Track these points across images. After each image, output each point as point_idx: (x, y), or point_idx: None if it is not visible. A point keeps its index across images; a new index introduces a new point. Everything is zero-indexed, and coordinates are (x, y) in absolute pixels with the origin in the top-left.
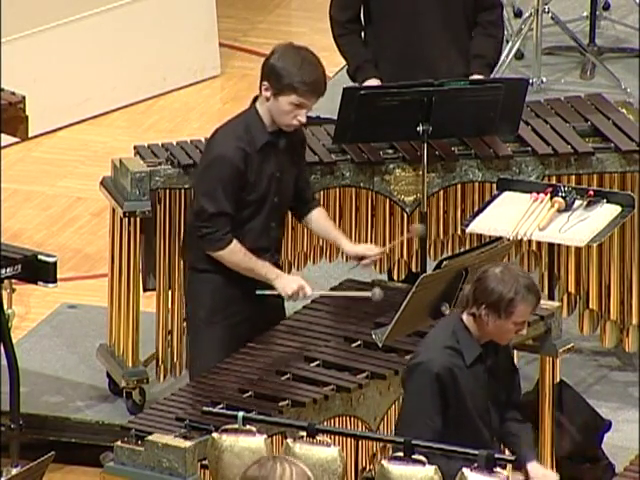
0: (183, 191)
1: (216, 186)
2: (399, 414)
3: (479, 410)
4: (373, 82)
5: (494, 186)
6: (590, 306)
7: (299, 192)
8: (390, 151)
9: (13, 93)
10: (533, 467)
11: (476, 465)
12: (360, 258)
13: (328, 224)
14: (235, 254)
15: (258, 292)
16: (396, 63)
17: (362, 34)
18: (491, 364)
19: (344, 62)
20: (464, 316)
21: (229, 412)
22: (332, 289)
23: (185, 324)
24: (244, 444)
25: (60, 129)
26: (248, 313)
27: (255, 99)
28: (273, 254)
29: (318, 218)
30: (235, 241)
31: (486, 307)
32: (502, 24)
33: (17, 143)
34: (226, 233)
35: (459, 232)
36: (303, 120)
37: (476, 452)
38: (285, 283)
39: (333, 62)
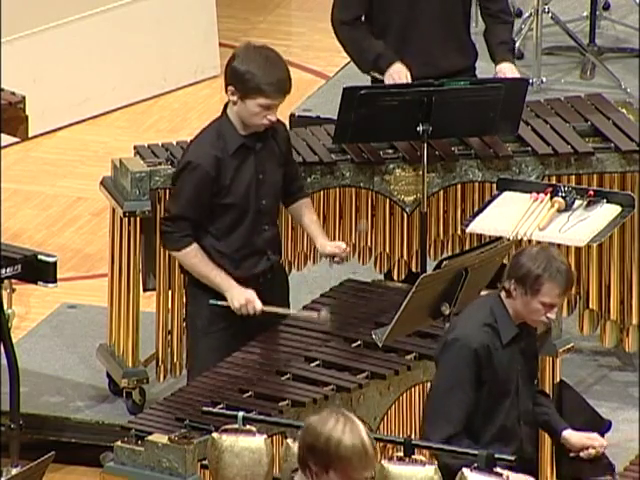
0: None
1: (183, 190)
2: (431, 388)
3: (510, 392)
4: (399, 67)
5: (494, 186)
6: (590, 306)
7: (287, 183)
8: (390, 151)
9: (13, 93)
10: (570, 434)
11: (476, 465)
12: (332, 257)
13: (308, 217)
14: (190, 258)
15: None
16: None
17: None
18: (524, 346)
19: (344, 62)
20: (502, 295)
21: (229, 412)
22: (332, 289)
23: (185, 324)
24: (244, 444)
25: (60, 129)
26: (246, 323)
27: (226, 106)
28: (270, 256)
29: (300, 209)
30: (194, 246)
31: (515, 282)
32: (510, 9)
33: (17, 143)
34: (185, 236)
35: (459, 232)
36: (274, 119)
37: (476, 452)
38: (234, 295)
39: (333, 62)
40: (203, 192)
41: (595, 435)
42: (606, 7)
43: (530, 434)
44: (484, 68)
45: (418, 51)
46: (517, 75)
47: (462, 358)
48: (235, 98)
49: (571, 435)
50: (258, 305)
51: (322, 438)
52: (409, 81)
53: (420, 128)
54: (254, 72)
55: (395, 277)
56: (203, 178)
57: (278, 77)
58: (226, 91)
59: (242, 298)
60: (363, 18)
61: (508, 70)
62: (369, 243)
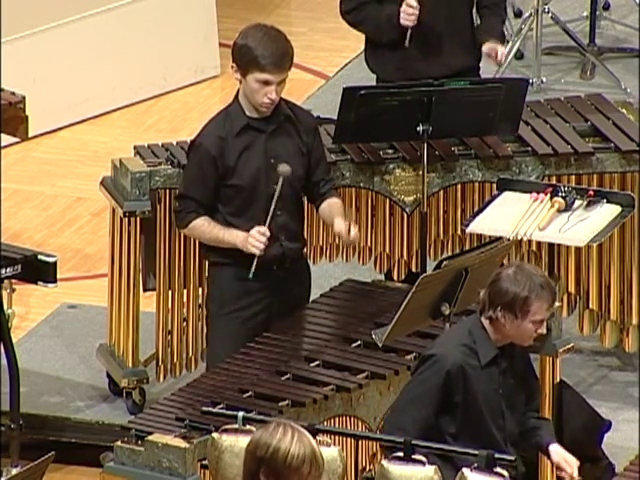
0: None
1: (188, 170)
2: (396, 398)
3: (493, 413)
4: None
5: (494, 186)
6: (590, 306)
7: (314, 185)
8: (390, 151)
9: (13, 93)
10: (555, 449)
11: (476, 465)
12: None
13: (333, 210)
14: (196, 229)
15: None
16: (398, 57)
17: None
18: (506, 367)
19: (344, 62)
20: (483, 319)
21: (229, 412)
22: (332, 289)
23: (184, 324)
24: (244, 444)
25: (60, 129)
26: (262, 306)
27: (239, 90)
28: (282, 242)
29: (325, 207)
30: (201, 219)
31: (502, 308)
32: (503, 4)
33: (17, 143)
34: (189, 212)
35: (459, 232)
36: (273, 97)
37: (476, 452)
38: (241, 242)
39: (333, 62)
40: (206, 171)
41: (573, 462)
42: (606, 7)
43: (520, 454)
44: (484, 69)
45: (426, 50)
46: (504, 52)
47: (433, 374)
48: (238, 76)
49: (553, 451)
50: (262, 229)
51: (271, 449)
52: (416, 8)
53: (420, 128)
54: (250, 45)
55: (395, 277)
56: (204, 157)
57: (273, 51)
58: (231, 68)
59: (245, 240)
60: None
61: (488, 47)
62: (369, 243)
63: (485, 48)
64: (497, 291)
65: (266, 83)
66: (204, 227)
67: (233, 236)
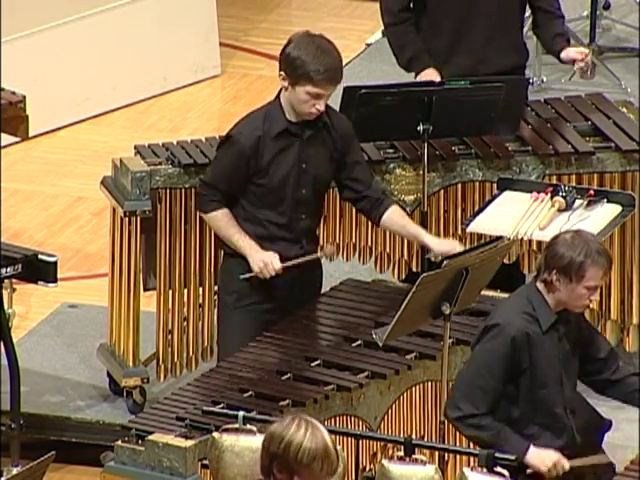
0: (183, 191)
1: (219, 161)
2: (462, 369)
3: (553, 378)
4: (430, 72)
5: (494, 186)
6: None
7: (361, 196)
8: (390, 150)
9: (13, 93)
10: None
11: (477, 464)
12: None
13: (404, 221)
14: (216, 221)
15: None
16: (447, 52)
17: (414, 23)
18: (564, 333)
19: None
20: (538, 284)
21: (229, 412)
22: (332, 289)
23: (185, 324)
24: (244, 444)
25: (60, 129)
26: (277, 300)
27: (281, 90)
28: (304, 245)
29: (391, 218)
30: (222, 211)
31: (557, 272)
32: (559, 4)
33: (17, 143)
34: (213, 201)
35: (459, 232)
36: (322, 108)
37: (476, 452)
38: (254, 259)
39: None
40: (238, 167)
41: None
42: (606, 7)
43: (578, 423)
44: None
45: (473, 49)
46: (585, 52)
47: (499, 344)
48: (286, 84)
49: None
50: (277, 264)
51: (284, 444)
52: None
53: (420, 127)
54: (304, 59)
55: (395, 277)
56: (239, 154)
57: (328, 66)
58: (279, 76)
59: (260, 261)
60: (409, 11)
61: (573, 51)
62: (369, 243)
63: (570, 53)
64: (553, 255)
65: (317, 96)
66: (223, 222)
67: (247, 247)
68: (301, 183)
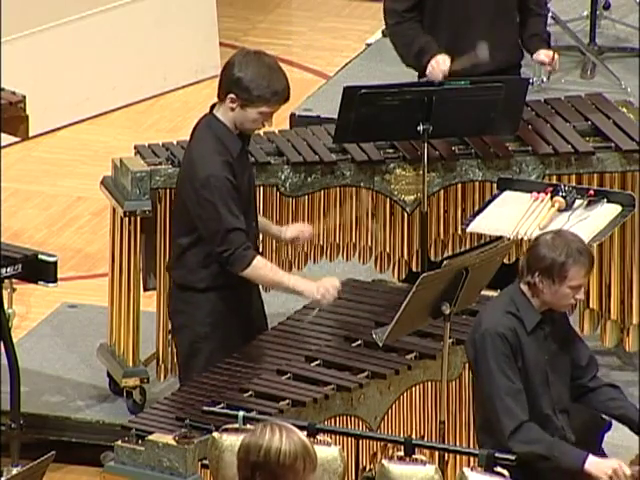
0: None
1: (218, 205)
2: (477, 388)
3: (539, 379)
4: (442, 57)
5: (494, 186)
6: (590, 306)
7: None
8: (390, 150)
9: (13, 93)
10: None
11: (477, 464)
12: (293, 240)
13: (261, 219)
14: (258, 270)
15: (314, 313)
16: (446, 52)
17: (419, 21)
18: (549, 332)
19: (344, 62)
20: (522, 286)
21: (229, 412)
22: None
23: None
24: None
25: (60, 129)
26: (240, 326)
27: (213, 106)
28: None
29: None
30: (258, 257)
31: (540, 274)
32: (544, 1)
33: (17, 143)
34: (244, 249)
35: (459, 232)
36: (270, 125)
37: (476, 452)
38: (313, 290)
39: (333, 62)
40: (233, 198)
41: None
42: (606, 6)
43: (569, 423)
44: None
45: (471, 47)
46: (556, 59)
47: (496, 345)
48: (234, 105)
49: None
50: (335, 283)
51: (263, 452)
52: (446, 70)
53: (420, 128)
54: (259, 82)
55: (395, 277)
56: (228, 185)
57: (283, 86)
58: (223, 97)
59: (321, 288)
60: (414, 11)
61: (543, 53)
62: (369, 243)
63: (540, 55)
64: (535, 256)
65: (269, 115)
66: (266, 269)
67: (300, 285)
68: (253, 192)
